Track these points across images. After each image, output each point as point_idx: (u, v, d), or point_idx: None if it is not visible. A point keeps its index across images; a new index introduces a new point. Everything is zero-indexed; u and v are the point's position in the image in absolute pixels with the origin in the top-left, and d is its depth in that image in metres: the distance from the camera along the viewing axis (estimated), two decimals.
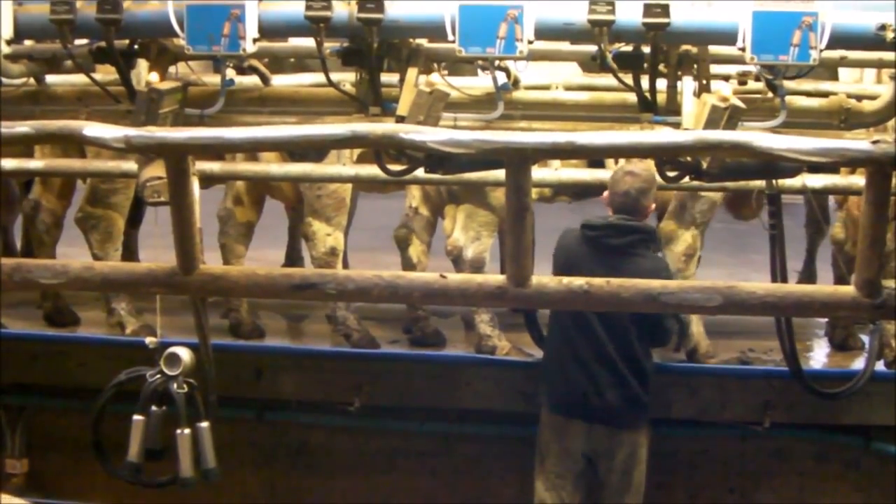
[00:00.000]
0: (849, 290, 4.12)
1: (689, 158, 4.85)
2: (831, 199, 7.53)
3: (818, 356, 7.20)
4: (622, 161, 5.78)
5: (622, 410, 5.73)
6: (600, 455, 5.77)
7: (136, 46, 5.39)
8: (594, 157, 5.99)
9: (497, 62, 5.13)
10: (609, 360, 5.67)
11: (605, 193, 5.69)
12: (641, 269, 5.37)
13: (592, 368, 5.68)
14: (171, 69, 5.53)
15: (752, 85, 5.32)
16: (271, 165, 6.32)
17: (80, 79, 5.69)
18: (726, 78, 5.33)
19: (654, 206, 5.78)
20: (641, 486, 5.86)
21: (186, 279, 4.25)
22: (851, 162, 4.26)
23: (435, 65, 5.40)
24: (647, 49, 5.05)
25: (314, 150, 5.85)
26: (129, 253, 7.77)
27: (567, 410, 5.78)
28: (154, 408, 5.17)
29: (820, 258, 7.74)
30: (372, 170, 5.72)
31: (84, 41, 5.34)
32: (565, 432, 5.78)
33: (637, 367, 5.72)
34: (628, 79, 5.22)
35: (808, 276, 7.75)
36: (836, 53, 5.17)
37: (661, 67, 5.18)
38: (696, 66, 5.19)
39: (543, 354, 6.07)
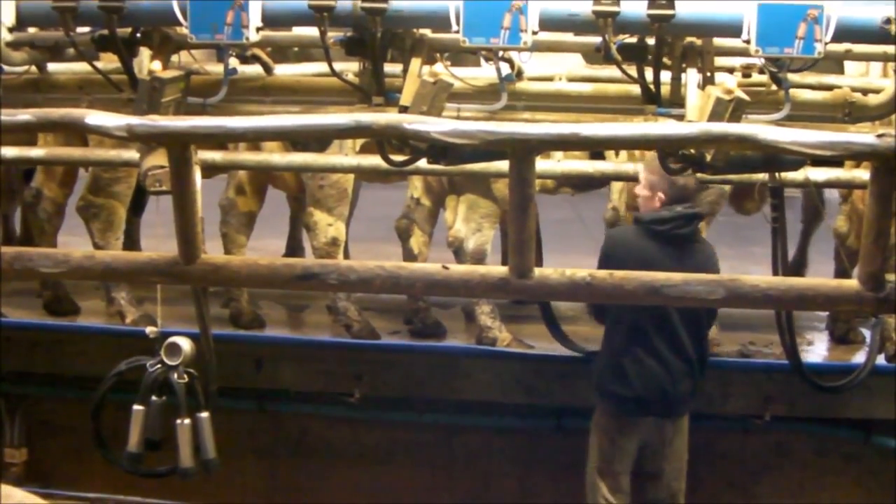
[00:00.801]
0: (852, 283, 4.11)
1: (692, 151, 4.84)
2: (830, 193, 7.54)
3: (819, 350, 7.20)
4: (623, 154, 5.75)
5: (688, 399, 5.74)
6: (658, 446, 5.71)
7: (138, 35, 5.37)
8: (598, 148, 5.99)
9: (501, 53, 5.11)
10: (685, 350, 5.62)
11: (647, 192, 5.61)
12: (706, 255, 5.63)
13: (669, 361, 5.61)
14: (174, 58, 5.51)
15: (756, 78, 5.30)
16: (273, 155, 6.29)
17: (82, 67, 5.67)
18: (731, 70, 5.32)
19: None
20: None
21: (188, 269, 4.24)
22: (856, 155, 4.24)
23: (438, 55, 5.39)
24: (651, 41, 5.04)
25: (317, 139, 5.83)
26: (132, 241, 7.77)
27: (638, 408, 5.64)
28: (154, 398, 5.17)
29: (823, 252, 7.73)
30: (374, 160, 5.71)
31: (86, 29, 5.32)
32: (632, 430, 5.68)
33: (704, 354, 5.75)
34: (632, 70, 5.20)
35: (800, 263, 7.75)
36: (841, 47, 5.15)
37: (666, 59, 5.17)
38: (700, 58, 5.17)
39: (605, 354, 5.76)
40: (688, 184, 5.55)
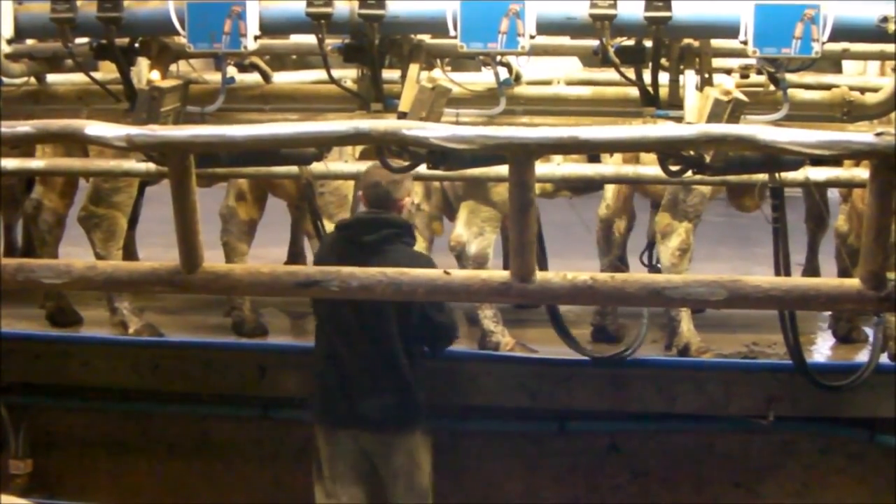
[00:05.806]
0: (854, 282, 4.10)
1: (691, 152, 4.84)
2: (831, 192, 7.53)
3: (822, 349, 7.19)
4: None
5: (388, 414, 5.66)
6: (377, 459, 5.70)
7: (136, 44, 5.38)
8: (597, 151, 5.98)
9: (499, 57, 5.12)
10: (370, 365, 5.59)
11: (360, 193, 5.65)
12: (396, 264, 5.21)
13: (354, 375, 5.60)
14: (172, 67, 5.52)
15: (754, 78, 5.31)
16: None
17: (81, 78, 5.68)
18: (728, 71, 5.32)
19: (407, 199, 5.71)
20: (426, 492, 5.77)
21: (189, 277, 4.23)
22: (855, 154, 4.24)
23: (437, 60, 5.40)
24: (649, 43, 5.04)
25: (317, 147, 5.84)
26: (128, 254, 7.76)
27: (335, 419, 5.70)
28: None
29: (824, 252, 7.72)
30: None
31: (85, 40, 5.33)
32: (335, 440, 5.70)
33: (400, 369, 5.64)
34: (630, 73, 5.21)
35: (812, 271, 7.72)
36: (838, 46, 5.15)
37: (663, 61, 5.17)
38: (698, 59, 5.17)
39: (314, 366, 5.88)
40: (378, 185, 5.52)
